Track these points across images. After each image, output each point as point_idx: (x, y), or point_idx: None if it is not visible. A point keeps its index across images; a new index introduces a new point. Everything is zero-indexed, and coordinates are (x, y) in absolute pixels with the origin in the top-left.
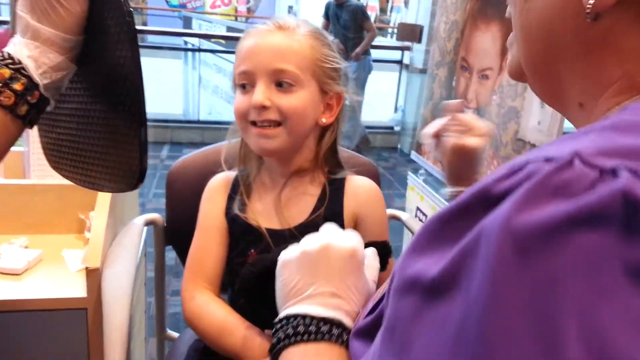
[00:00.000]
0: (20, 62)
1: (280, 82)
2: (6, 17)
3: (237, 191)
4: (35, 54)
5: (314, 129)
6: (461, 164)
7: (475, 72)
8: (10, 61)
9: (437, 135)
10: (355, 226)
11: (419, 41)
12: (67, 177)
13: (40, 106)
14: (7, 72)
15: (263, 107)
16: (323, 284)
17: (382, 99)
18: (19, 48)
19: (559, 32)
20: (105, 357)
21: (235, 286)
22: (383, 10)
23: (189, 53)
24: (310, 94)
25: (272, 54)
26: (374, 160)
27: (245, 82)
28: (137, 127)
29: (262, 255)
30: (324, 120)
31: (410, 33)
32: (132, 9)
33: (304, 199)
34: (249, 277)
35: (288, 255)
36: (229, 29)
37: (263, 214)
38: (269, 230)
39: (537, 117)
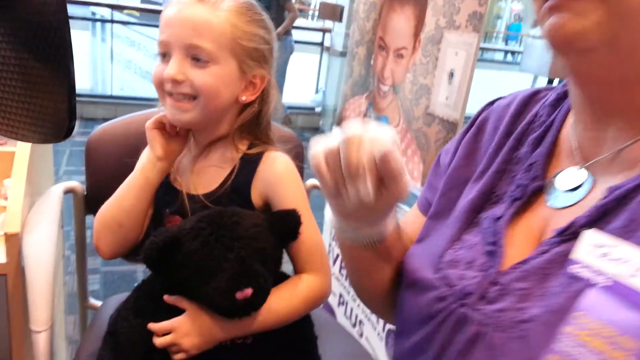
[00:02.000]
0: None
1: (196, 57)
2: None
3: None
4: None
5: (235, 105)
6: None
7: (392, 52)
8: None
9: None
10: (267, 202)
11: (340, 20)
12: None
13: None
14: None
15: (176, 81)
16: None
17: (303, 80)
18: None
19: None
20: (31, 322)
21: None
22: None
23: (98, 25)
24: (226, 71)
25: (189, 28)
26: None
27: (164, 52)
28: (64, 74)
29: (166, 228)
30: (244, 98)
31: (332, 12)
32: None
33: (214, 170)
34: (152, 249)
35: None
36: (143, 0)
37: (177, 175)
38: (186, 194)
39: (445, 93)
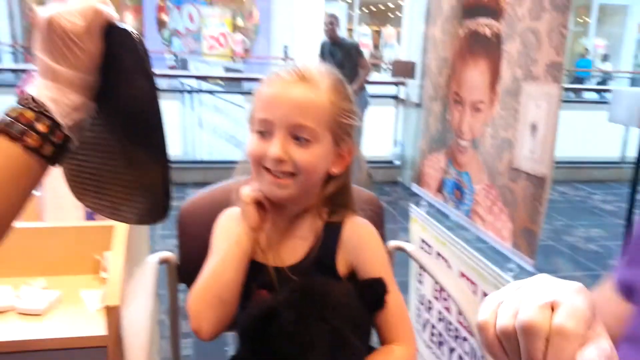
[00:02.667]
0: (43, 104)
1: (298, 136)
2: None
3: None
4: (56, 96)
5: (323, 177)
6: None
7: (468, 105)
8: (34, 104)
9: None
10: (353, 270)
11: (412, 77)
12: (91, 208)
13: (65, 146)
14: (31, 115)
15: (279, 160)
16: None
17: (380, 133)
18: (41, 90)
19: None
20: None
21: (237, 328)
22: (376, 47)
23: (186, 94)
24: (324, 148)
25: (293, 108)
26: (377, 195)
27: (263, 130)
28: (158, 159)
29: (263, 299)
30: (334, 170)
31: (404, 69)
32: (146, 48)
33: (299, 242)
34: (250, 320)
35: None
36: (227, 69)
37: (262, 249)
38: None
39: (529, 146)
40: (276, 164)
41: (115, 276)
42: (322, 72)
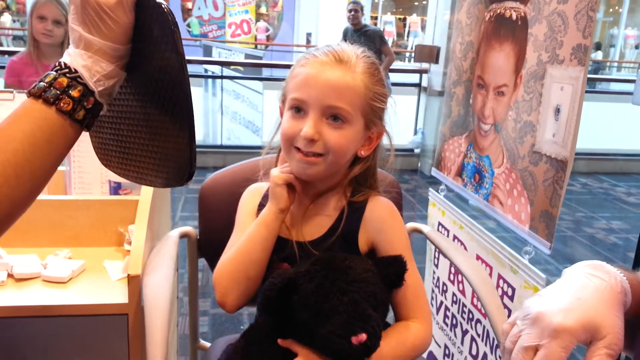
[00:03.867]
0: (76, 71)
1: (331, 118)
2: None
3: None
4: (88, 64)
5: (350, 157)
6: None
7: (492, 90)
8: (67, 70)
9: None
10: (373, 248)
11: (436, 61)
12: (118, 174)
13: (95, 111)
14: (65, 80)
15: (312, 140)
16: None
17: (401, 121)
18: (74, 58)
19: None
20: (148, 357)
21: (258, 299)
22: (400, 35)
23: (209, 80)
24: (356, 130)
25: (329, 90)
26: (413, 183)
27: (297, 107)
28: (185, 125)
29: (284, 270)
30: (362, 152)
31: (428, 54)
32: (176, 21)
33: (322, 218)
34: (271, 290)
35: None
36: (247, 56)
37: (286, 225)
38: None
39: (552, 129)
40: (307, 144)
41: (138, 247)
42: (358, 55)
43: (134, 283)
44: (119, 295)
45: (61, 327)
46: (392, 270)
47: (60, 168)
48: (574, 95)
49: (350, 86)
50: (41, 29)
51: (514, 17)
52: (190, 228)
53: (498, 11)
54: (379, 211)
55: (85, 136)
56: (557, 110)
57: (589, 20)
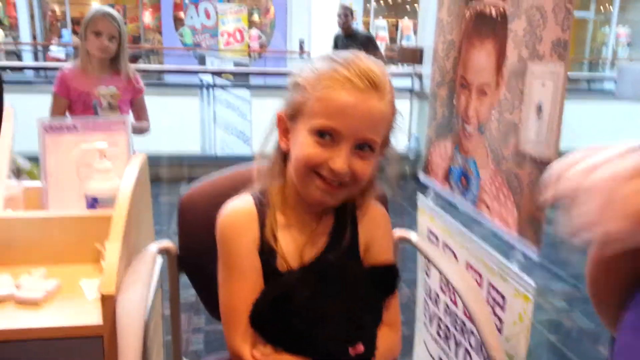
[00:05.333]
0: None
1: (361, 146)
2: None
3: (263, 222)
4: None
5: None
6: None
7: (474, 89)
8: None
9: None
10: (365, 252)
11: (420, 62)
12: None
13: None
14: None
15: (342, 173)
16: None
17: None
18: None
19: None
20: None
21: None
22: (393, 40)
23: (204, 90)
24: (377, 155)
25: (367, 122)
26: (389, 189)
27: (326, 134)
28: None
29: (272, 283)
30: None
31: (411, 56)
32: None
33: (320, 236)
34: (264, 299)
35: None
36: (236, 64)
37: (290, 253)
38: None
39: (534, 129)
40: (336, 175)
41: (111, 265)
42: (384, 73)
43: (108, 303)
44: (94, 316)
45: (35, 351)
46: (385, 279)
47: (35, 184)
48: (554, 91)
49: (384, 116)
50: (97, 45)
51: (494, 13)
52: (169, 242)
53: (478, 8)
54: (374, 211)
55: (60, 147)
56: (539, 108)
57: (567, 13)
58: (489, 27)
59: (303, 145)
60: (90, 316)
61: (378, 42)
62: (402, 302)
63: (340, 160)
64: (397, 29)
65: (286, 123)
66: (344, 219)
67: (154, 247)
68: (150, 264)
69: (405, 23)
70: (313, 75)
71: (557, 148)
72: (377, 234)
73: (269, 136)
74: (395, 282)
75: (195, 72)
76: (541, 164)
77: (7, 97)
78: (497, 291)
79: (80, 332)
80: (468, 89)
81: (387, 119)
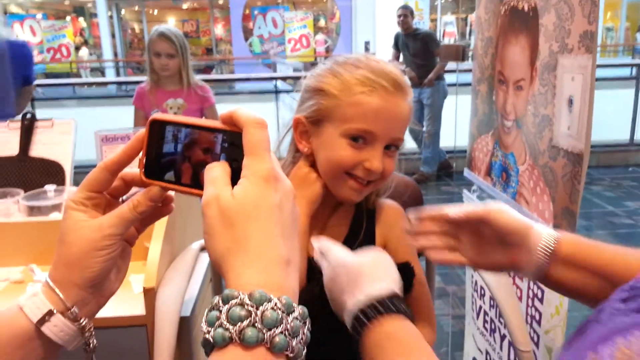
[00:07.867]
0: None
1: (389, 146)
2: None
3: None
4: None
5: None
6: None
7: (511, 85)
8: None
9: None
10: (384, 249)
11: (463, 60)
12: None
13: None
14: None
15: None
16: None
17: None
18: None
19: None
20: None
21: None
22: (462, 35)
23: (277, 95)
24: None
25: (398, 122)
26: (455, 184)
27: (360, 138)
28: None
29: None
30: None
31: (454, 53)
32: None
33: (339, 228)
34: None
35: None
36: (295, 69)
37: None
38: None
39: (566, 122)
40: (369, 174)
41: (152, 261)
42: (402, 72)
43: (150, 295)
44: (138, 307)
45: None
46: (402, 276)
47: None
48: (584, 85)
49: (409, 115)
50: (158, 65)
51: (526, 8)
52: None
53: (511, 4)
54: (390, 210)
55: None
56: (570, 102)
57: (593, 6)
58: (522, 22)
59: (335, 148)
60: (136, 308)
61: (447, 39)
62: (459, 296)
63: (376, 161)
64: (466, 24)
65: (306, 126)
66: (361, 211)
67: (196, 244)
68: (191, 260)
69: (475, 17)
70: (339, 81)
71: (589, 140)
72: (394, 233)
73: (283, 139)
74: (411, 280)
75: (257, 80)
76: (573, 156)
77: (87, 110)
78: (537, 284)
79: (126, 321)
80: (505, 84)
81: (410, 118)
